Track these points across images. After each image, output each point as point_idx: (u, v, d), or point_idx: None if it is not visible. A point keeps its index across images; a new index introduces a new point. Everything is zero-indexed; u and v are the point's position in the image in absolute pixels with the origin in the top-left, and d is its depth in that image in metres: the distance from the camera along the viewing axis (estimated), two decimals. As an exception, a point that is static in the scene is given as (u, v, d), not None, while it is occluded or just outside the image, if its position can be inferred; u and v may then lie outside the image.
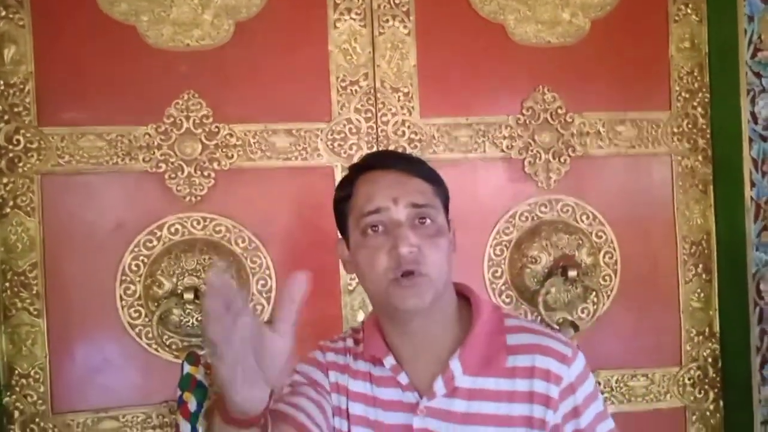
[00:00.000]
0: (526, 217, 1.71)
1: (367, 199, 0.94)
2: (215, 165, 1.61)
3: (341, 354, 1.03)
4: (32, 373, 1.54)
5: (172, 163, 1.59)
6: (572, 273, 1.61)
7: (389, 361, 0.97)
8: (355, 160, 1.63)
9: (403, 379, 0.96)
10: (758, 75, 1.66)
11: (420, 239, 0.91)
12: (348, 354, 1.03)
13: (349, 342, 1.05)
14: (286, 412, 0.92)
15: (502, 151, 1.71)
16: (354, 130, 1.66)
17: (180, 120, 1.60)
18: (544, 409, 0.91)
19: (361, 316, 1.65)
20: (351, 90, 1.66)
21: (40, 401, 1.54)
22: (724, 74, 1.72)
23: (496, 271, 1.71)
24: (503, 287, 1.70)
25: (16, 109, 1.55)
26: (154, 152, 1.59)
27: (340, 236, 1.03)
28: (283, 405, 0.94)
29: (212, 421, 0.77)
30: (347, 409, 0.99)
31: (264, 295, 1.63)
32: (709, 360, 1.77)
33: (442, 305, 0.95)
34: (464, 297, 1.02)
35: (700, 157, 1.78)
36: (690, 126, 1.77)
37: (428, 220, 0.93)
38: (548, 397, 0.91)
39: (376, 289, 0.93)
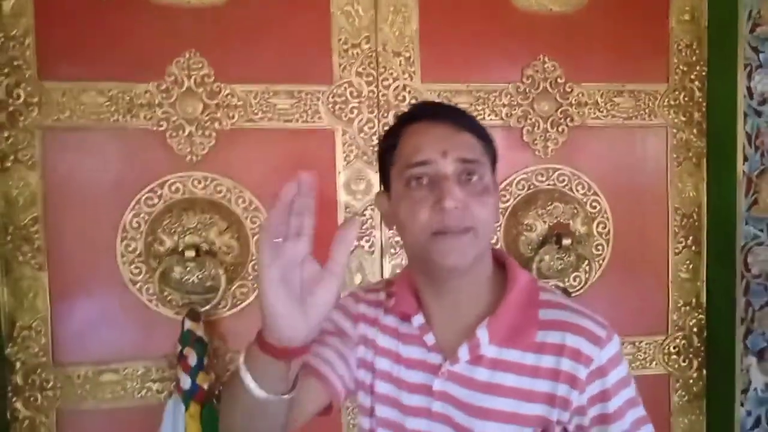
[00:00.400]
0: (523, 186, 1.74)
1: (414, 149, 0.89)
2: (216, 125, 1.62)
3: (372, 306, 1.01)
4: (34, 325, 1.56)
5: (173, 122, 1.60)
6: (566, 241, 1.65)
7: (418, 319, 0.95)
8: (356, 124, 1.65)
9: (429, 339, 0.94)
10: (756, 50, 1.67)
11: (466, 195, 0.86)
12: (379, 307, 1.01)
13: (382, 295, 1.02)
14: (309, 362, 0.92)
15: (501, 118, 1.72)
16: (355, 94, 1.67)
17: (181, 78, 1.60)
18: (569, 388, 0.87)
19: (358, 279, 1.68)
20: (353, 53, 1.66)
21: (41, 353, 1.57)
22: (723, 48, 1.73)
23: (492, 238, 1.74)
24: (498, 253, 1.74)
25: (16, 62, 1.54)
26: (155, 110, 1.59)
27: (381, 188, 0.99)
28: (307, 356, 0.94)
29: (247, 355, 0.73)
30: (373, 362, 0.97)
31: (263, 255, 1.65)
32: (695, 330, 1.82)
33: (480, 268, 0.92)
34: (500, 264, 0.98)
35: (695, 131, 1.80)
36: (686, 99, 1.79)
37: (476, 177, 0.88)
38: (575, 377, 0.87)
39: (416, 244, 0.89)
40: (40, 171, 1.55)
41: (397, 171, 0.91)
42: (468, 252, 0.86)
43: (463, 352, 0.90)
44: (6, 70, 1.53)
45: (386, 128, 1.00)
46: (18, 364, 1.56)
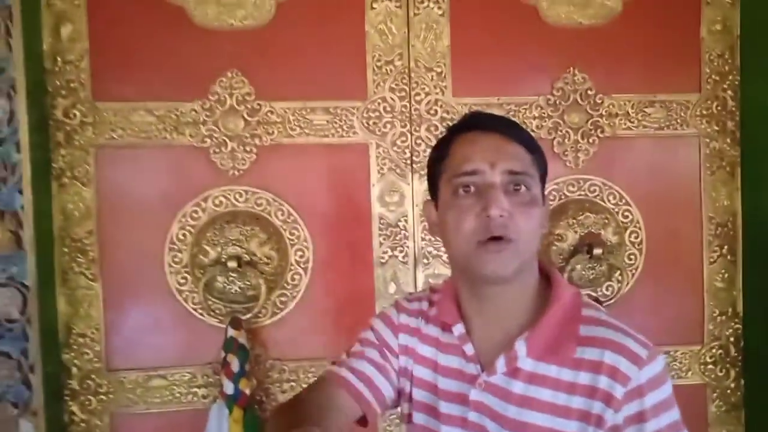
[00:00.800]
0: (554, 196, 1.77)
1: (463, 159, 0.91)
2: (257, 141, 1.69)
3: (413, 316, 1.04)
4: (89, 333, 1.66)
5: (217, 138, 1.68)
6: (597, 251, 1.67)
7: (458, 329, 0.97)
8: (389, 138, 1.71)
9: (468, 349, 0.95)
10: (789, 58, 1.67)
11: (512, 206, 0.87)
12: (420, 317, 1.03)
13: (425, 304, 1.05)
14: (346, 378, 0.97)
15: (532, 130, 1.75)
16: (388, 109, 1.73)
17: (224, 97, 1.68)
18: (604, 406, 0.86)
19: (392, 288, 1.73)
20: (386, 69, 1.72)
21: (95, 359, 1.66)
22: (755, 57, 1.74)
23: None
24: (530, 263, 1.77)
25: (72, 85, 1.65)
26: (199, 128, 1.68)
27: (428, 197, 1.01)
28: (344, 370, 0.99)
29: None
30: (412, 371, 1.00)
31: (301, 266, 1.72)
32: (731, 339, 1.82)
33: (523, 278, 0.92)
34: (545, 276, 0.98)
35: (728, 140, 1.80)
36: (719, 108, 1.80)
37: (523, 188, 0.89)
38: (611, 396, 0.86)
39: (460, 252, 0.90)
40: (94, 186, 1.65)
41: (446, 180, 0.93)
42: (509, 263, 0.87)
43: (500, 364, 0.91)
44: (63, 92, 1.64)
45: (438, 140, 1.02)
46: (74, 370, 1.66)
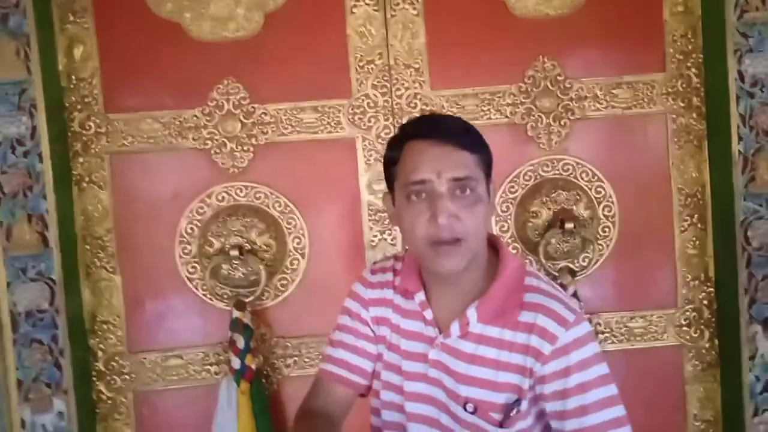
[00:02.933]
0: (530, 177, 1.89)
1: (413, 169, 1.01)
2: (253, 140, 1.86)
3: (380, 288, 1.18)
4: (111, 320, 1.86)
5: (217, 140, 1.85)
6: (569, 225, 1.79)
7: (419, 296, 1.10)
8: (374, 131, 1.86)
9: (428, 314, 1.09)
10: (745, 35, 1.76)
11: (458, 208, 0.98)
12: (386, 287, 1.17)
13: (389, 275, 1.18)
14: (330, 371, 1.16)
15: (507, 117, 1.88)
16: (372, 105, 1.87)
17: (222, 102, 1.85)
18: (534, 361, 1.00)
19: (383, 268, 1.88)
20: (368, 68, 1.87)
21: (118, 343, 1.86)
22: (715, 36, 1.83)
23: (503, 226, 1.90)
24: (509, 240, 1.90)
25: (86, 100, 1.84)
26: (201, 131, 1.85)
27: (386, 191, 1.12)
28: (328, 364, 1.17)
29: None
30: (385, 336, 1.15)
31: (299, 252, 1.88)
32: (705, 302, 1.92)
33: (474, 263, 1.04)
34: (494, 248, 1.11)
35: (694, 115, 1.90)
36: (684, 86, 1.90)
37: (468, 190, 1.00)
38: (540, 352, 0.99)
39: (416, 248, 1.04)
40: (110, 189, 1.84)
41: (400, 185, 1.04)
42: (460, 259, 1.01)
43: (455, 328, 1.05)
44: (78, 107, 1.83)
45: (391, 137, 1.14)
46: (100, 353, 1.86)
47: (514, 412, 1.02)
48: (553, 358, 0.99)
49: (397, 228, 1.22)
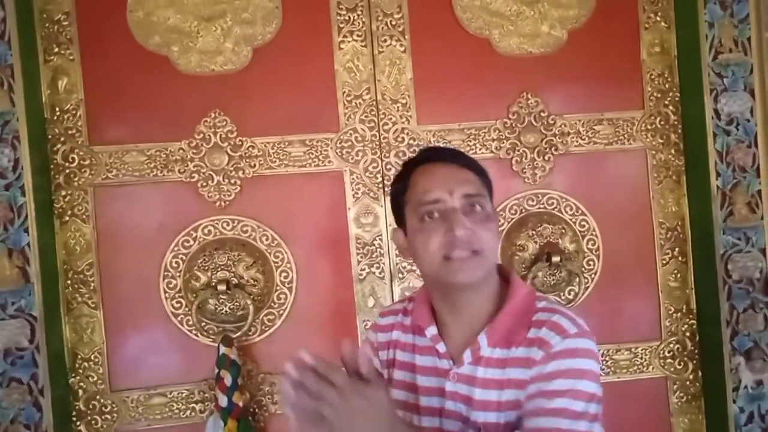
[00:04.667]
0: (515, 210, 1.92)
1: (425, 190, 1.05)
2: (240, 173, 1.85)
3: (388, 331, 1.20)
4: (92, 357, 1.80)
5: (203, 173, 1.84)
6: (555, 259, 1.82)
7: (431, 330, 1.10)
8: (362, 165, 1.87)
9: (441, 347, 1.09)
10: (720, 75, 1.84)
11: (473, 223, 1.01)
12: (394, 330, 1.19)
13: (398, 317, 1.20)
14: None
15: (492, 152, 1.92)
16: (359, 138, 1.89)
17: (209, 135, 1.85)
18: (530, 370, 0.99)
19: (371, 302, 1.88)
20: (356, 103, 1.89)
21: (99, 381, 1.80)
22: (691, 75, 1.90)
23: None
24: (497, 273, 1.91)
25: (70, 132, 1.81)
26: (187, 164, 1.84)
27: (395, 225, 1.15)
28: None
29: None
30: (392, 376, 1.15)
31: (286, 286, 1.86)
32: (687, 334, 1.96)
33: (487, 285, 1.06)
34: (505, 278, 1.11)
35: (673, 151, 1.97)
36: (662, 123, 1.96)
37: (479, 207, 1.04)
38: (534, 360, 0.99)
39: (431, 267, 1.04)
40: (93, 222, 1.81)
41: (412, 209, 1.07)
42: (477, 271, 1.02)
43: (467, 356, 1.06)
44: (62, 139, 1.80)
45: (396, 173, 1.17)
46: (80, 392, 1.80)
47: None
48: (544, 362, 0.98)
49: (410, 260, 1.21)
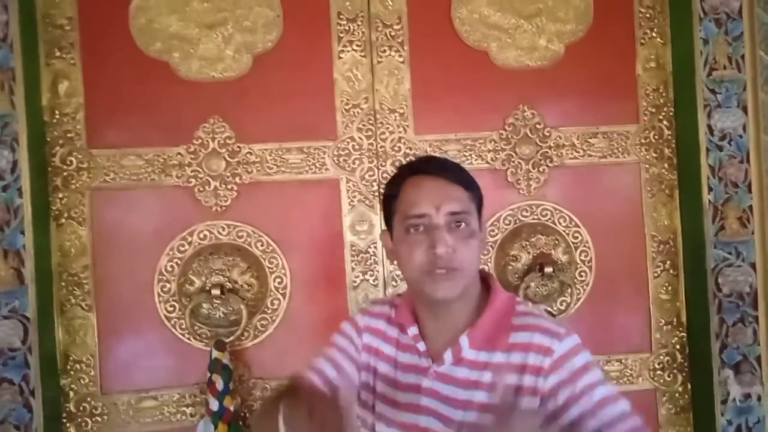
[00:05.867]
0: (509, 221, 1.94)
1: (412, 203, 1.09)
2: (237, 179, 1.86)
3: (376, 318, 1.22)
4: (84, 359, 1.81)
5: (201, 178, 1.85)
6: (548, 269, 1.83)
7: (413, 330, 1.15)
8: (358, 173, 1.89)
9: (421, 346, 1.13)
10: (713, 92, 1.86)
11: (455, 240, 1.05)
12: (383, 319, 1.21)
13: (386, 308, 1.23)
14: (313, 381, 1.13)
15: (487, 162, 1.94)
16: (357, 147, 1.90)
17: (207, 141, 1.86)
18: (535, 378, 1.02)
19: (365, 309, 1.88)
20: (354, 112, 1.91)
21: (91, 383, 1.81)
22: (685, 91, 1.93)
23: (484, 268, 1.93)
24: (490, 283, 1.93)
25: (69, 135, 1.82)
26: (185, 169, 1.85)
27: (384, 228, 1.19)
28: (311, 372, 1.16)
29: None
30: (376, 367, 1.18)
31: (280, 291, 1.87)
32: (677, 346, 1.97)
33: (467, 295, 1.10)
34: (486, 283, 1.16)
35: (666, 165, 1.99)
36: (656, 137, 1.99)
37: (463, 224, 1.08)
38: (540, 368, 1.02)
39: (413, 279, 1.09)
40: (89, 225, 1.82)
41: (399, 218, 1.11)
42: (456, 287, 1.06)
43: (448, 356, 1.10)
44: (61, 142, 1.82)
45: (389, 177, 1.21)
46: (71, 394, 1.80)
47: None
48: (556, 369, 1.02)
49: (395, 263, 1.23)
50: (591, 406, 1.00)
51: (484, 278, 1.17)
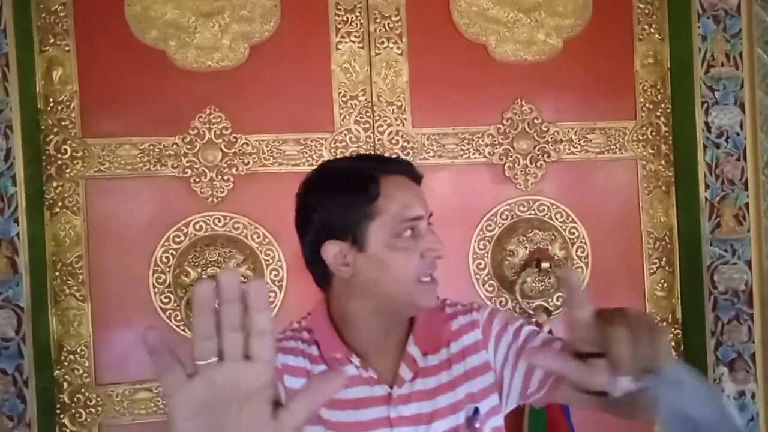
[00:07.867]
0: (506, 216, 1.94)
1: (405, 205, 0.98)
2: (234, 170, 1.85)
3: (293, 355, 1.01)
4: (78, 350, 1.79)
5: (197, 169, 1.84)
6: (545, 265, 1.83)
7: (355, 359, 1.00)
8: (355, 165, 1.87)
9: (372, 374, 1.00)
10: (711, 89, 1.86)
11: None
12: (302, 356, 1.01)
13: (300, 344, 1.03)
14: None
15: (485, 157, 1.93)
16: (354, 139, 1.89)
17: (203, 131, 1.85)
18: (478, 354, 1.03)
19: (360, 302, 1.88)
20: (351, 104, 1.90)
21: (85, 374, 1.79)
22: (683, 88, 1.93)
23: (480, 264, 1.93)
24: (486, 277, 1.93)
25: (63, 123, 1.80)
26: (181, 159, 1.83)
27: (328, 238, 1.01)
28: None
29: None
30: (320, 414, 0.97)
31: (276, 284, 1.87)
32: (672, 343, 1.98)
33: None
34: None
35: (663, 162, 1.99)
36: (654, 134, 1.99)
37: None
38: (477, 341, 1.03)
39: (399, 287, 0.97)
40: (83, 215, 1.80)
41: (385, 222, 0.97)
42: (435, 295, 1.03)
43: (404, 371, 1.01)
44: (55, 130, 1.79)
45: (345, 179, 1.01)
46: (65, 385, 1.79)
47: (477, 424, 1.00)
48: (487, 331, 1.06)
49: (347, 276, 1.01)
50: (524, 341, 1.03)
51: None
